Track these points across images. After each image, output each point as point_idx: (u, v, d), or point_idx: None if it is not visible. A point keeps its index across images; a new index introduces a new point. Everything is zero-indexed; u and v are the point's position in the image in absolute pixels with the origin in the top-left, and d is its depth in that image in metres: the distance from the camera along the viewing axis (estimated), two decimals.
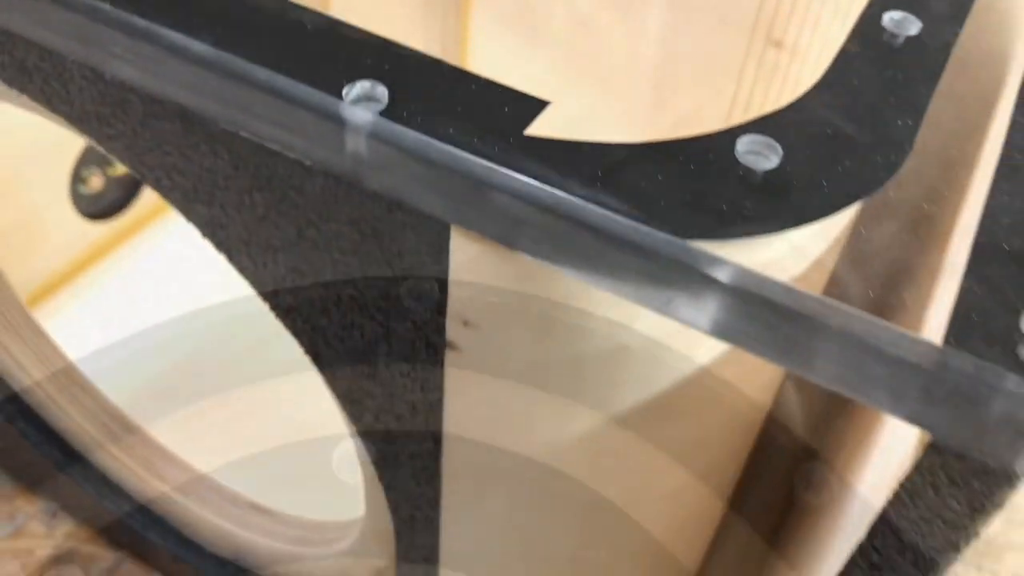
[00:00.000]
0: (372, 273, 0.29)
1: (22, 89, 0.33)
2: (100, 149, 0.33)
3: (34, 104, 0.33)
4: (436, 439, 0.34)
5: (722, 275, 0.23)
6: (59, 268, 0.73)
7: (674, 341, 0.30)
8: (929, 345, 0.22)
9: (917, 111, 0.28)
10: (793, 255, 0.27)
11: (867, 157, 0.26)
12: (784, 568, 0.42)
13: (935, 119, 0.29)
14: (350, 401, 0.35)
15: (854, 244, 0.32)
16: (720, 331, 0.24)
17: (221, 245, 0.33)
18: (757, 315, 0.23)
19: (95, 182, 0.72)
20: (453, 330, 0.29)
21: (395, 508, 0.39)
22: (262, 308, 0.37)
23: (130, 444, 0.55)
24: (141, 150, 0.31)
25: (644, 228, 0.23)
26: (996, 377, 0.21)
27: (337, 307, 0.32)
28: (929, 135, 0.29)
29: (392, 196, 0.26)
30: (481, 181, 0.25)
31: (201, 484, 0.55)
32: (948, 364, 0.21)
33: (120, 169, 0.73)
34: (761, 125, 0.27)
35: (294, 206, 0.29)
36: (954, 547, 0.24)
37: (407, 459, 0.36)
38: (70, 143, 0.70)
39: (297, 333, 0.34)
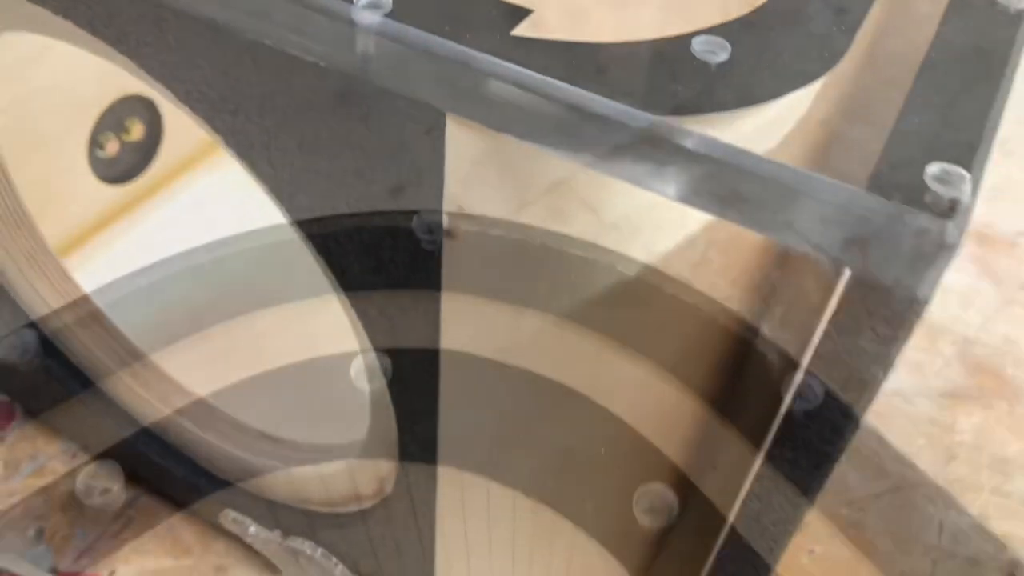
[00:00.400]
0: (379, 166, 0.33)
1: (67, 15, 0.37)
2: (138, 70, 0.37)
3: (79, 32, 0.37)
4: (436, 326, 0.38)
5: (678, 139, 0.27)
6: (76, 230, 0.77)
7: (627, 243, 0.34)
8: (852, 191, 0.26)
9: (855, 20, 0.32)
10: (749, 140, 0.31)
11: (806, 55, 0.30)
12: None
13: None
14: (360, 297, 0.39)
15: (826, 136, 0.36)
16: (680, 195, 0.28)
17: (244, 154, 0.37)
18: (711, 175, 0.27)
19: (111, 147, 0.76)
20: (449, 218, 0.34)
21: (399, 404, 0.43)
22: (271, 240, 0.41)
23: (144, 376, 0.59)
24: (175, 65, 0.35)
25: (616, 104, 0.28)
26: (906, 215, 0.25)
27: (347, 206, 0.36)
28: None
29: (396, 90, 0.31)
30: (475, 71, 0.29)
31: (213, 415, 0.59)
32: (866, 206, 0.25)
33: (135, 135, 0.78)
34: (714, 29, 0.31)
35: (310, 107, 0.33)
36: (873, 377, 0.28)
37: (410, 353, 0.40)
38: (91, 108, 0.74)
39: (312, 236, 0.38)
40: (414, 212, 0.35)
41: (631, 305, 0.37)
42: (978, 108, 0.28)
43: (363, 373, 0.41)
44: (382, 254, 0.37)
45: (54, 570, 0.62)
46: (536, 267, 0.35)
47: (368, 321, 0.40)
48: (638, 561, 0.42)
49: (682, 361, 0.40)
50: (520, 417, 0.41)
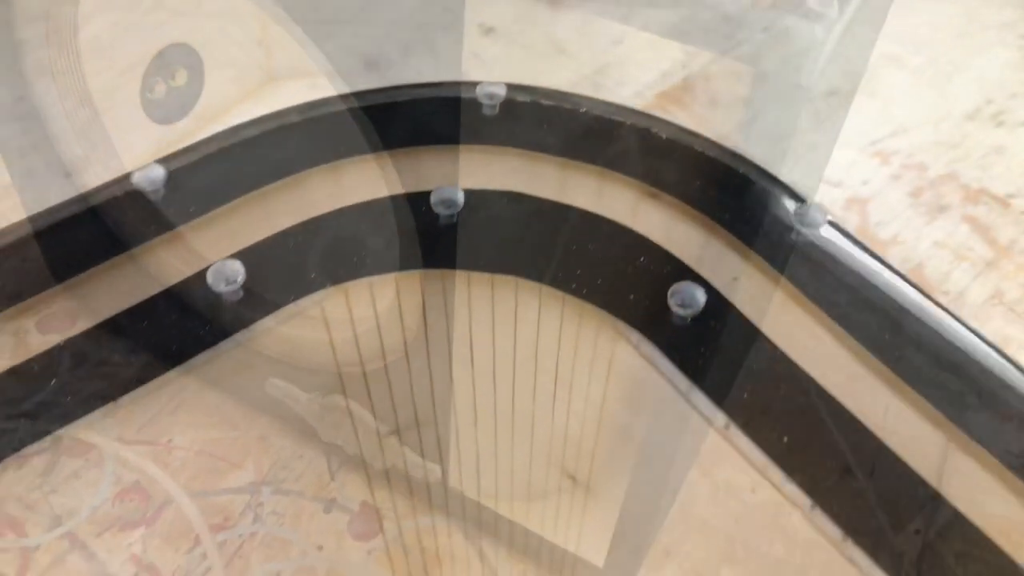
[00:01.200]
0: (407, 21, 0.44)
1: None
2: None
3: None
4: (492, 173, 0.49)
5: None
6: (128, 164, 0.87)
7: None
8: (761, 13, 0.37)
9: None
10: None
11: None
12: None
13: None
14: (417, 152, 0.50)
15: None
16: (651, 27, 0.39)
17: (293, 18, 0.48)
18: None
19: (159, 90, 0.87)
20: (472, 43, 0.45)
21: (468, 228, 0.54)
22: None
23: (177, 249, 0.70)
24: None
25: None
26: (791, 19, 0.36)
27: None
28: None
29: None
30: None
31: (250, 295, 0.70)
32: (767, 19, 0.36)
33: (180, 80, 0.88)
34: None
35: None
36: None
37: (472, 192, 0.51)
38: (138, 60, 0.85)
39: (371, 107, 0.49)
40: (475, 83, 0.46)
41: (662, 156, 0.48)
42: None
43: (441, 204, 0.52)
44: (441, 118, 0.48)
45: (120, 439, 0.72)
46: (579, 128, 0.47)
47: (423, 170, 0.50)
48: (672, 344, 0.53)
49: (705, 198, 0.51)
50: (570, 238, 0.52)
